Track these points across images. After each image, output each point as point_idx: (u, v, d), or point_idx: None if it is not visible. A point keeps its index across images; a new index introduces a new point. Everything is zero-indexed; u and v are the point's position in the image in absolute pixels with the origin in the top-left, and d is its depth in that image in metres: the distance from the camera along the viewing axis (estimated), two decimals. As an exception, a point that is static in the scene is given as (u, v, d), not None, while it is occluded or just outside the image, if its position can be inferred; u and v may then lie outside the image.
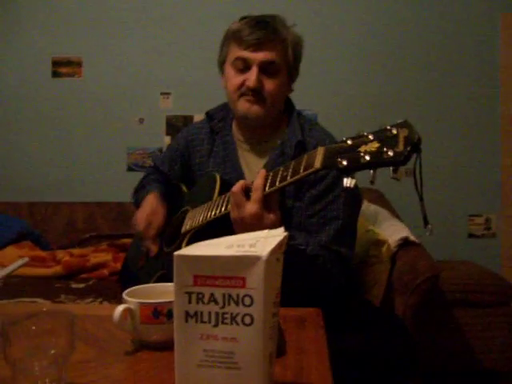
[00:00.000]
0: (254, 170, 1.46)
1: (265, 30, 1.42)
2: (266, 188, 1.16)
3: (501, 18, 2.85)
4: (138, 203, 1.61)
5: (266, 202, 1.17)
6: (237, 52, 1.45)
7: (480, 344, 2.23)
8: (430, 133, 2.81)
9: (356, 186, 1.37)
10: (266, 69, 1.43)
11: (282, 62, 1.45)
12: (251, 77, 1.41)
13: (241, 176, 1.49)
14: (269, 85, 1.43)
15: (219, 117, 1.61)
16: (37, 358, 0.68)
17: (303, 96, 1.62)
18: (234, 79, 1.45)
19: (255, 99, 1.43)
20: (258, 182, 1.16)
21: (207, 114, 1.63)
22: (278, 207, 1.19)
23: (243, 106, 1.44)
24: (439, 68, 2.89)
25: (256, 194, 1.15)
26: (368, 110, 2.84)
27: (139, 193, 1.68)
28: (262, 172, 1.18)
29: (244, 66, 1.44)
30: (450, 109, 2.90)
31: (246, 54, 1.43)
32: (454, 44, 2.89)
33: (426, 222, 0.96)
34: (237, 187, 1.19)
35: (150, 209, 1.50)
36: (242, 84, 1.44)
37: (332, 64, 2.90)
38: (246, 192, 1.19)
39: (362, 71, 2.91)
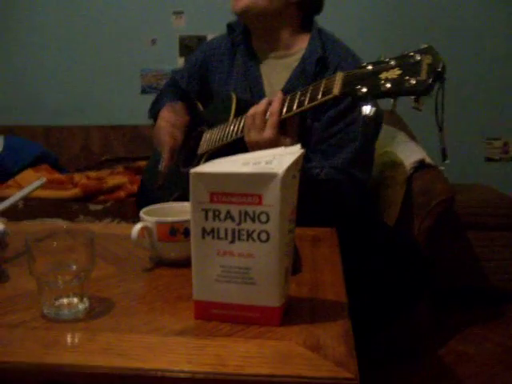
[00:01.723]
0: (276, 86, 1.43)
1: None
2: (283, 113, 1.13)
3: None
4: (155, 114, 1.58)
5: (283, 126, 1.15)
6: None
7: (492, 265, 2.26)
8: (448, 54, 2.70)
9: (377, 109, 1.35)
10: None
11: None
12: None
13: (261, 92, 1.45)
14: None
15: (240, 29, 1.55)
16: (60, 272, 0.70)
17: (320, 18, 1.55)
18: None
19: None
20: (274, 106, 1.13)
21: (228, 25, 1.57)
22: (295, 131, 1.17)
23: (232, 1, 1.41)
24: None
25: (272, 119, 1.13)
26: (391, 33, 2.73)
27: (155, 106, 1.65)
28: (279, 95, 1.15)
29: None
30: (470, 27, 2.78)
31: None
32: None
33: (444, 157, 0.94)
34: (251, 112, 1.16)
35: (173, 111, 1.50)
36: None
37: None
38: (262, 116, 1.16)
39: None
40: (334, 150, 1.34)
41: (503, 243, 2.26)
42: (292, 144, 1.14)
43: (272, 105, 1.14)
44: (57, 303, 0.71)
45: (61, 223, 0.80)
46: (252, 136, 1.17)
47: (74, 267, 0.71)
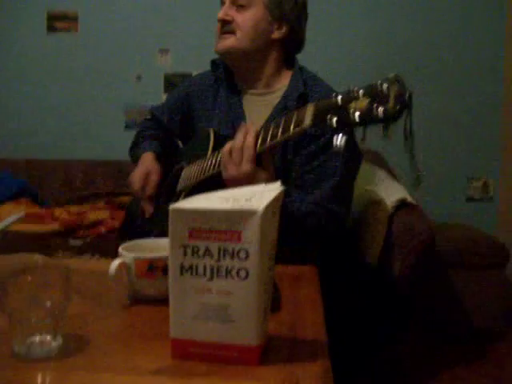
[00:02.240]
0: (257, 122, 1.44)
1: None
2: (258, 146, 1.14)
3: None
4: (134, 160, 1.59)
5: (258, 160, 1.15)
6: None
7: (474, 305, 2.26)
8: (429, 93, 2.78)
9: (355, 144, 1.36)
10: (237, 2, 1.42)
11: None
12: (221, 11, 1.43)
13: None
14: (238, 17, 1.42)
15: (225, 65, 1.57)
16: (33, 309, 0.68)
17: (302, 54, 1.58)
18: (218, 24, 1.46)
19: (224, 32, 1.43)
20: (249, 140, 1.14)
21: (212, 62, 1.60)
22: (271, 165, 1.18)
23: (216, 42, 1.45)
24: (443, 27, 2.84)
25: (248, 153, 1.13)
26: (368, 67, 2.79)
27: (135, 150, 1.66)
28: (253, 129, 1.16)
29: (223, 2, 1.45)
30: (451, 69, 2.86)
31: None
32: (458, 3, 2.83)
33: (417, 181, 0.95)
34: (226, 147, 1.17)
35: (145, 169, 1.49)
36: None
37: (333, 23, 2.85)
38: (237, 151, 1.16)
39: (362, 28, 2.86)
40: (313, 184, 1.35)
41: (484, 282, 2.27)
42: (269, 178, 1.15)
43: (246, 139, 1.14)
44: (28, 341, 0.69)
45: (38, 258, 0.78)
46: (229, 171, 1.17)
47: (49, 304, 0.69)
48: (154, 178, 1.48)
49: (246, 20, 1.41)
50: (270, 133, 1.11)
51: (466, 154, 2.89)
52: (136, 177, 1.48)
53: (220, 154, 1.25)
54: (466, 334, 2.31)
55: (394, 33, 2.86)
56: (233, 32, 1.42)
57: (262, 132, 1.15)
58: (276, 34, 1.46)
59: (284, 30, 1.46)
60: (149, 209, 1.48)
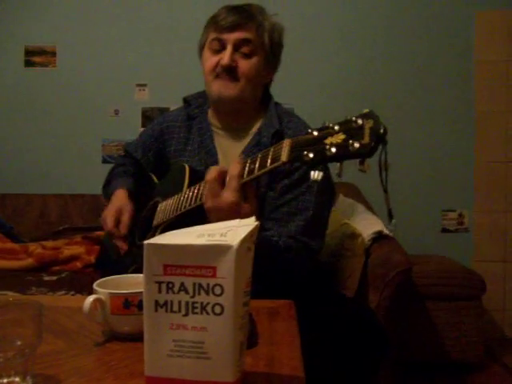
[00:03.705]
0: (230, 158, 1.45)
1: (240, 14, 1.44)
2: (244, 176, 1.11)
3: (475, 16, 2.89)
4: (107, 197, 1.58)
5: (242, 191, 1.14)
6: (213, 34, 1.46)
7: (451, 336, 2.27)
8: (404, 128, 2.84)
9: (329, 178, 1.38)
10: (241, 49, 1.43)
11: (258, 44, 1.45)
12: (225, 55, 1.42)
13: (216, 164, 1.47)
14: (243, 64, 1.43)
15: (197, 103, 1.59)
16: (2, 348, 0.66)
17: (280, 90, 1.61)
18: (210, 60, 1.46)
19: (229, 78, 1.42)
20: (234, 169, 1.11)
21: (184, 99, 1.61)
22: (254, 197, 1.15)
23: (217, 86, 1.44)
24: (415, 63, 2.92)
25: (232, 183, 1.11)
26: (345, 102, 2.84)
27: (107, 187, 1.64)
28: (237, 160, 1.13)
29: (220, 47, 1.45)
30: (425, 104, 2.93)
31: (222, 34, 1.44)
32: (429, 40, 2.92)
33: (390, 217, 0.96)
34: (210, 175, 1.14)
35: (117, 207, 1.47)
36: (217, 64, 1.44)
37: (309, 58, 2.91)
38: (221, 180, 1.15)
39: (339, 65, 2.93)
40: (287, 218, 1.36)
41: (461, 313, 2.28)
42: (252, 210, 1.13)
43: (231, 168, 1.12)
44: (-3, 382, 0.67)
45: (9, 295, 0.76)
46: (211, 201, 1.13)
47: (19, 342, 0.67)
48: (126, 217, 1.45)
49: (251, 68, 1.43)
50: (247, 167, 1.11)
51: (441, 185, 2.93)
52: (108, 215, 1.46)
53: (197, 189, 1.24)
54: (444, 366, 2.31)
55: (367, 67, 2.93)
56: (236, 79, 1.43)
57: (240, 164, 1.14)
58: (267, 80, 1.52)
59: (272, 75, 1.53)
60: (123, 246, 1.45)
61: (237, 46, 1.43)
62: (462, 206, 2.96)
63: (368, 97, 2.88)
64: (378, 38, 2.92)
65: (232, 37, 1.43)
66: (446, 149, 2.93)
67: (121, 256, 1.50)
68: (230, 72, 1.42)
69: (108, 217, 1.45)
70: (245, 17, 1.44)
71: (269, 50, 1.47)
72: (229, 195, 1.11)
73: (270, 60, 1.49)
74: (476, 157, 2.92)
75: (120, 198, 1.50)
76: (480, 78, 2.90)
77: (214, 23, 1.46)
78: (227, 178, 1.12)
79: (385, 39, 2.93)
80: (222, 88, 1.43)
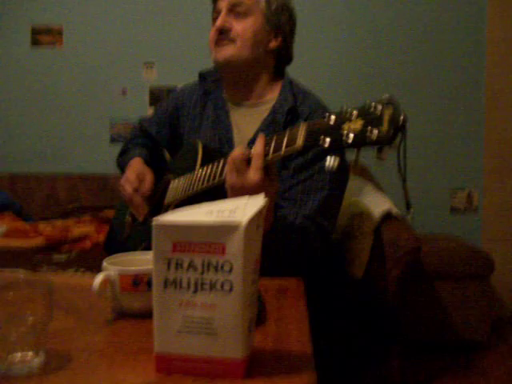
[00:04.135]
0: (245, 135, 1.44)
1: None
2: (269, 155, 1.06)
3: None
4: (122, 167, 1.57)
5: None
6: (212, 5, 1.47)
7: (459, 315, 2.28)
8: (413, 106, 2.81)
9: (343, 159, 1.36)
10: (235, 10, 1.42)
11: (252, 5, 1.43)
12: (219, 19, 1.42)
13: (230, 141, 1.46)
14: (238, 25, 1.41)
15: (212, 78, 1.56)
16: (14, 324, 0.67)
17: (291, 72, 1.59)
18: (211, 32, 1.45)
19: (223, 40, 1.41)
20: (258, 147, 1.06)
21: (200, 74, 1.59)
22: (276, 176, 1.11)
23: (214, 53, 1.43)
24: (425, 44, 2.88)
25: (258, 162, 1.05)
26: (355, 85, 2.82)
27: (123, 156, 1.63)
28: (262, 138, 1.08)
29: (217, 15, 1.44)
30: (435, 82, 2.90)
31: (217, 2, 1.45)
32: (440, 21, 2.88)
33: (408, 206, 0.94)
34: (238, 152, 1.08)
35: (138, 170, 1.45)
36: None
37: (321, 42, 2.88)
38: (246, 159, 1.09)
39: (351, 47, 2.90)
40: (302, 197, 1.34)
41: (469, 293, 2.28)
42: (275, 189, 1.11)
43: (255, 147, 1.07)
44: (9, 358, 0.68)
45: (20, 274, 0.77)
46: (236, 178, 1.08)
47: (30, 319, 0.68)
48: (149, 178, 1.44)
49: (246, 28, 1.41)
50: (272, 148, 1.08)
51: (450, 165, 2.91)
52: (129, 178, 1.44)
53: (210, 168, 1.23)
54: (452, 345, 2.32)
55: (376, 47, 2.89)
56: (232, 40, 1.41)
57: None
58: (272, 44, 1.47)
59: (279, 40, 1.48)
60: (144, 209, 1.43)
61: (230, 10, 1.42)
62: (470, 185, 2.94)
63: (376, 74, 2.85)
64: (387, 15, 2.88)
65: (225, 1, 1.43)
66: (456, 127, 2.90)
67: (132, 233, 1.50)
68: (225, 35, 1.41)
69: (129, 180, 1.43)
70: None
71: (266, 9, 1.44)
72: (255, 174, 1.06)
73: (270, 20, 1.45)
74: (486, 136, 2.89)
75: (138, 164, 1.48)
76: (491, 55, 2.86)
77: None
78: (253, 157, 1.08)
79: (394, 16, 2.88)
80: (217, 52, 1.42)
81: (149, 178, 1.44)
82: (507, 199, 2.90)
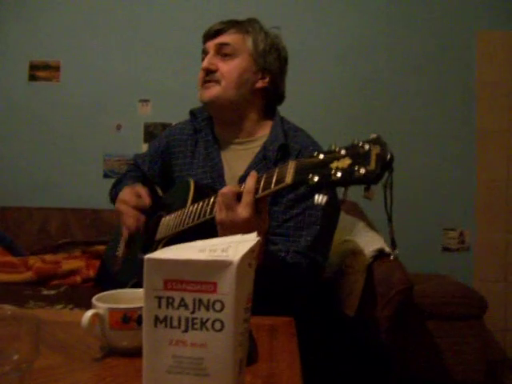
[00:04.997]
0: (236, 172, 1.45)
1: (227, 24, 1.47)
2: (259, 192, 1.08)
3: (477, 34, 2.91)
4: (114, 197, 1.57)
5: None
6: (202, 46, 1.51)
7: (452, 356, 2.25)
8: (406, 146, 2.84)
9: (335, 195, 1.37)
10: (222, 51, 1.46)
11: (239, 47, 1.46)
12: (205, 60, 1.46)
13: (222, 178, 1.47)
14: (223, 66, 1.45)
15: (203, 116, 1.59)
16: (-1, 362, 0.66)
17: (281, 108, 1.61)
18: (199, 72, 1.48)
19: (209, 82, 1.45)
20: (249, 184, 1.08)
21: (191, 112, 1.61)
22: (266, 212, 1.12)
23: (200, 92, 1.47)
24: (416, 83, 2.93)
25: (248, 197, 1.07)
26: (345, 123, 2.86)
27: (117, 187, 1.64)
28: (253, 175, 1.09)
29: (206, 56, 1.48)
30: (426, 122, 2.94)
31: (206, 43, 1.49)
32: (431, 60, 2.93)
33: (393, 246, 0.94)
34: (228, 188, 1.10)
35: (132, 188, 1.47)
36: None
37: (312, 78, 2.93)
38: (235, 195, 1.10)
39: (342, 88, 2.95)
40: (294, 233, 1.34)
41: (462, 333, 2.26)
42: (266, 226, 1.11)
43: (246, 183, 1.09)
44: (-7, 397, 0.66)
45: (7, 309, 0.75)
46: (225, 214, 1.09)
47: (16, 357, 0.66)
48: (144, 191, 1.46)
49: (232, 69, 1.44)
50: (262, 184, 1.08)
51: (442, 204, 2.93)
52: (126, 194, 1.46)
53: (201, 205, 1.23)
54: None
55: (367, 85, 2.94)
56: (217, 81, 1.44)
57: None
58: (259, 84, 1.49)
59: (267, 80, 1.50)
60: (140, 219, 1.43)
61: (217, 51, 1.46)
62: (463, 224, 2.95)
63: (368, 115, 2.89)
64: (378, 57, 2.94)
65: (213, 43, 1.47)
66: (448, 167, 2.93)
67: (123, 268, 1.49)
68: (210, 76, 1.44)
69: (127, 195, 1.45)
70: (230, 25, 1.47)
71: (253, 50, 1.47)
72: (244, 210, 1.07)
73: (257, 61, 1.48)
74: (477, 176, 2.92)
75: (131, 187, 1.50)
76: (481, 97, 2.92)
77: (203, 35, 1.51)
78: (243, 193, 1.09)
79: (385, 58, 2.94)
80: (203, 92, 1.46)
81: (143, 191, 1.46)
82: (499, 239, 2.91)
